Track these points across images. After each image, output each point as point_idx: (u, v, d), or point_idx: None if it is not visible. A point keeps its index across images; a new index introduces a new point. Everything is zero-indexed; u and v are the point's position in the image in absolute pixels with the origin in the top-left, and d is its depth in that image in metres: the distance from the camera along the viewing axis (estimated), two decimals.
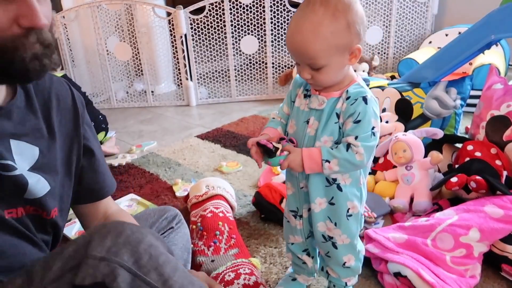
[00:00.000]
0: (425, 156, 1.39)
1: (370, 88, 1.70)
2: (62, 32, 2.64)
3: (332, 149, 0.78)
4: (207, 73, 2.82)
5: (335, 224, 0.87)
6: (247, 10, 2.58)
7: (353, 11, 0.72)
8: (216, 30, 2.62)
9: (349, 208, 0.85)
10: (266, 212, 1.35)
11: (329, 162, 0.77)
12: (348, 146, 0.76)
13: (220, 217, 1.25)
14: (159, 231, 1.02)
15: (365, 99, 0.76)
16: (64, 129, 0.76)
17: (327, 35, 0.71)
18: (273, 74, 2.77)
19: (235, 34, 2.65)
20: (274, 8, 2.59)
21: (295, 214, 0.93)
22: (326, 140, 0.81)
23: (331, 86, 0.81)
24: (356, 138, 0.76)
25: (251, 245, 1.23)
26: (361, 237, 1.17)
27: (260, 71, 2.80)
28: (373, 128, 0.77)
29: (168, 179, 1.72)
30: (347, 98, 0.78)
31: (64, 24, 2.64)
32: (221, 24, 2.60)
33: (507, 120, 1.36)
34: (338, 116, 0.79)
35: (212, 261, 1.09)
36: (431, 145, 1.50)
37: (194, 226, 1.24)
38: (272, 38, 2.64)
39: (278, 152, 0.79)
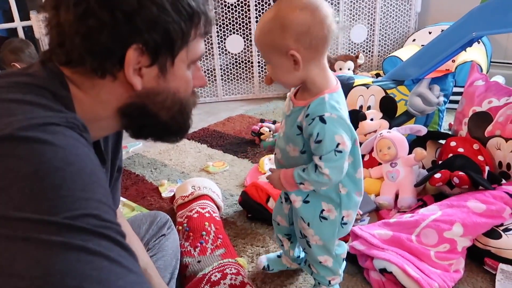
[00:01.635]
0: (410, 152, 1.40)
1: (354, 86, 1.74)
2: (44, 32, 2.59)
3: (303, 170, 0.79)
4: None
5: (308, 224, 0.87)
6: (232, 9, 2.58)
7: (294, 16, 0.74)
8: None
9: (323, 210, 0.85)
10: (253, 211, 1.35)
11: (303, 184, 0.80)
12: (316, 167, 0.78)
13: (206, 217, 1.24)
14: (151, 237, 1.01)
15: (322, 119, 0.75)
16: (110, 152, 0.74)
17: (265, 31, 0.77)
18: (259, 73, 2.77)
19: (221, 33, 2.64)
20: (259, 7, 2.59)
21: (286, 198, 0.94)
22: (292, 148, 0.82)
23: (304, 93, 0.81)
24: (320, 158, 0.76)
25: (238, 245, 1.23)
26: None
27: (246, 70, 2.80)
28: (337, 145, 0.75)
29: (154, 180, 1.70)
30: (306, 116, 0.77)
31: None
32: None
33: (489, 116, 1.39)
34: (300, 128, 0.79)
35: (199, 261, 1.08)
36: (415, 142, 1.51)
37: (180, 227, 1.23)
38: None
39: (266, 137, 0.82)
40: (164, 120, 0.63)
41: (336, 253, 0.92)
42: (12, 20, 2.72)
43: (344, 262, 0.99)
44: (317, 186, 0.81)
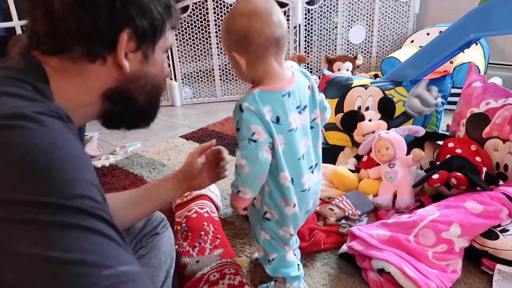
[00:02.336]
0: (408, 153, 1.40)
1: (353, 87, 1.74)
2: None
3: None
4: (191, 73, 2.80)
5: (246, 208, 0.93)
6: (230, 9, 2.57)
7: (233, 21, 0.79)
8: (200, 29, 2.61)
9: (255, 198, 0.90)
10: None
11: (240, 191, 0.82)
12: (237, 169, 0.81)
13: (205, 217, 1.24)
14: (144, 235, 1.01)
15: (240, 108, 0.78)
16: None
17: (221, 31, 0.83)
18: None
19: (219, 34, 2.64)
20: None
21: None
22: None
23: None
24: (238, 147, 0.80)
25: (237, 245, 1.23)
26: (345, 235, 1.19)
27: None
28: (252, 134, 0.77)
29: (152, 180, 1.70)
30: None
31: None
32: (205, 23, 2.59)
33: (486, 117, 1.39)
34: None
35: (197, 261, 1.09)
36: (413, 143, 1.52)
37: (179, 227, 1.23)
38: None
39: None
40: (142, 104, 0.67)
41: (269, 255, 0.94)
42: (11, 19, 2.72)
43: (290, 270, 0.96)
44: (247, 185, 0.82)
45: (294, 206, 0.87)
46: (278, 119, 0.80)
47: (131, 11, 0.57)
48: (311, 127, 0.90)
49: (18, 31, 2.75)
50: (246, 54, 0.79)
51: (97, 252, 0.42)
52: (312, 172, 0.90)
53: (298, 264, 0.98)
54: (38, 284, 0.39)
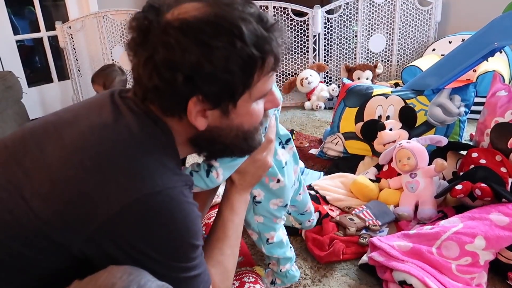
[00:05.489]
0: (430, 163, 1.38)
1: (373, 96, 1.73)
2: (68, 42, 2.68)
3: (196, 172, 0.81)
4: None
5: None
6: None
7: None
8: None
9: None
10: None
11: (211, 172, 0.78)
12: (209, 170, 0.78)
13: None
14: None
15: None
16: None
17: None
18: (277, 81, 2.79)
19: None
20: (278, 17, 2.60)
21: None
22: None
23: None
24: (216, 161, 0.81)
25: (256, 254, 1.23)
26: (366, 245, 1.17)
27: None
28: None
29: None
30: None
31: (70, 34, 2.68)
32: None
33: None
34: None
35: None
36: (436, 153, 1.49)
37: None
38: None
39: None
40: (229, 144, 0.71)
41: (265, 235, 0.96)
42: (38, 30, 2.82)
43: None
44: (204, 187, 0.79)
45: (278, 181, 0.89)
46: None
47: (197, 82, 0.60)
48: None
49: (46, 41, 2.84)
50: None
51: None
52: (283, 147, 0.92)
53: (291, 247, 1.02)
54: None
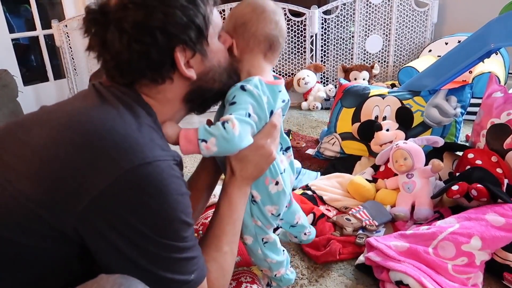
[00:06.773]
0: (426, 164, 1.39)
1: (370, 96, 1.73)
2: (65, 41, 2.66)
3: (209, 126, 0.74)
4: None
5: None
6: None
7: (238, 8, 0.84)
8: None
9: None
10: None
11: (206, 141, 0.72)
12: (224, 123, 0.72)
13: None
14: None
15: (243, 88, 0.76)
16: None
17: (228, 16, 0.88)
18: None
19: None
20: None
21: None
22: None
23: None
24: (231, 114, 0.74)
25: None
26: (362, 245, 1.17)
27: None
28: (249, 115, 0.75)
29: None
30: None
31: (67, 32, 2.67)
32: None
33: (508, 128, 1.37)
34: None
35: None
36: (432, 153, 1.50)
37: (196, 234, 1.23)
38: None
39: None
40: (218, 89, 0.77)
41: (260, 239, 0.91)
42: (34, 29, 2.80)
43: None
44: (222, 144, 0.72)
45: (277, 184, 0.85)
46: (271, 113, 0.81)
47: (173, 31, 0.65)
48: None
49: (41, 40, 2.83)
50: (239, 40, 0.82)
51: None
52: (283, 153, 0.91)
53: (284, 250, 0.98)
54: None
